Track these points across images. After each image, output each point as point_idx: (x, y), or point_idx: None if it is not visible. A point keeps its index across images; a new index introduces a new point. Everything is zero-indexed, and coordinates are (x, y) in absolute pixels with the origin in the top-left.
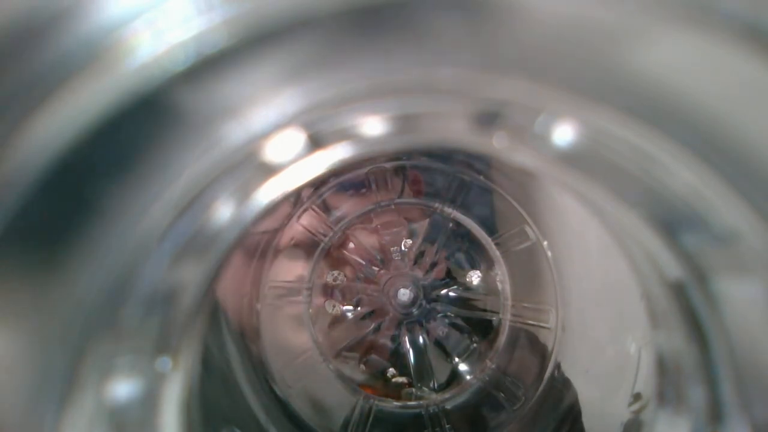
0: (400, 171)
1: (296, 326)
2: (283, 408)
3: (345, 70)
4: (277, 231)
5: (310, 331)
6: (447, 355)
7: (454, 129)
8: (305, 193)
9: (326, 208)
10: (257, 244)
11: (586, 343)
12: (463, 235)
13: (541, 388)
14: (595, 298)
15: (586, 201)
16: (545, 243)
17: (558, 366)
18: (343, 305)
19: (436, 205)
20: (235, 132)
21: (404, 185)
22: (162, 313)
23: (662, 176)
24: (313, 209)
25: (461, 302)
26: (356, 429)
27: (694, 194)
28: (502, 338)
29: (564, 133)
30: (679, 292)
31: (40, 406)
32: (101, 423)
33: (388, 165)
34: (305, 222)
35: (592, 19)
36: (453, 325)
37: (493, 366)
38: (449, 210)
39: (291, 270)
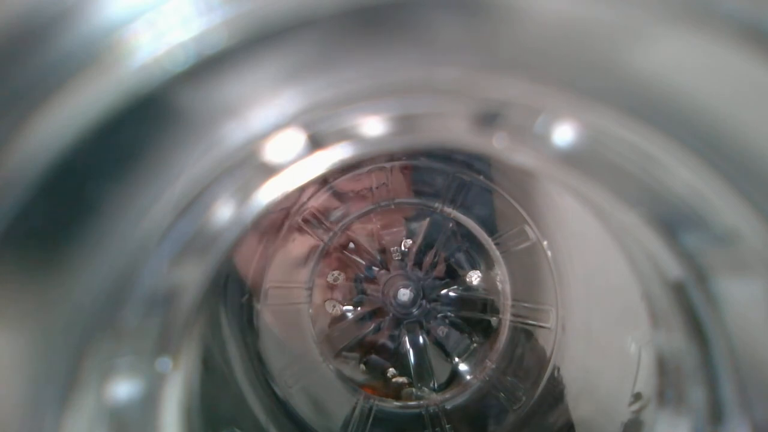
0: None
1: (296, 326)
2: (283, 408)
3: (345, 70)
4: (277, 231)
5: (310, 331)
6: (447, 355)
7: (454, 129)
8: (305, 193)
9: (326, 208)
10: (257, 243)
11: (586, 343)
12: (463, 235)
13: (541, 387)
14: (595, 298)
15: (586, 201)
16: (545, 243)
17: (558, 366)
18: (343, 305)
19: (436, 205)
20: (235, 132)
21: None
22: (162, 314)
23: (662, 176)
24: (313, 209)
25: (461, 302)
26: (356, 429)
27: (694, 194)
28: (502, 338)
29: (564, 133)
30: (679, 292)
31: (40, 407)
32: (102, 423)
33: (388, 165)
34: (305, 222)
35: (592, 19)
36: (453, 325)
37: (493, 366)
38: (449, 210)
39: (291, 270)
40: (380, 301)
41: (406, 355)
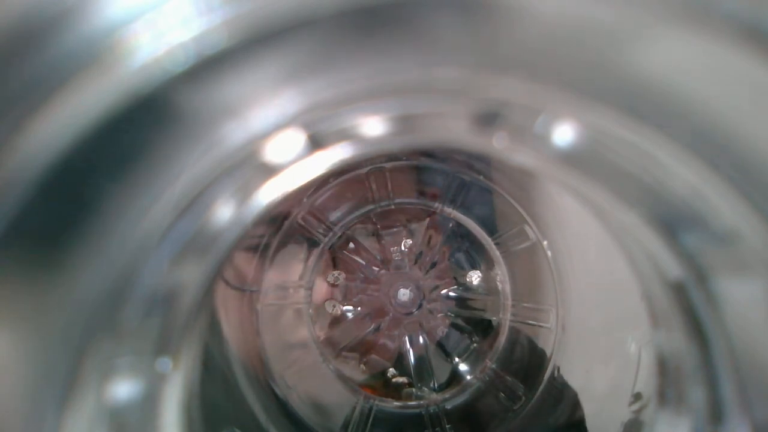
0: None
1: (296, 326)
2: (283, 408)
3: (345, 70)
4: (277, 231)
5: (310, 331)
6: (447, 355)
7: (454, 129)
8: (305, 194)
9: (326, 209)
10: (257, 244)
11: (586, 343)
12: (463, 235)
13: (541, 387)
14: (595, 298)
15: (586, 201)
16: (545, 243)
17: (558, 366)
18: (343, 305)
19: (436, 205)
20: (236, 132)
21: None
22: (162, 314)
23: (662, 176)
24: (313, 209)
25: (461, 302)
26: (356, 429)
27: (694, 194)
28: (502, 338)
29: (564, 133)
30: (679, 292)
31: (40, 407)
32: (102, 424)
33: (388, 165)
34: (305, 222)
35: (592, 19)
36: (453, 325)
37: (493, 366)
38: (449, 210)
39: (291, 270)
40: (380, 301)
41: (406, 355)
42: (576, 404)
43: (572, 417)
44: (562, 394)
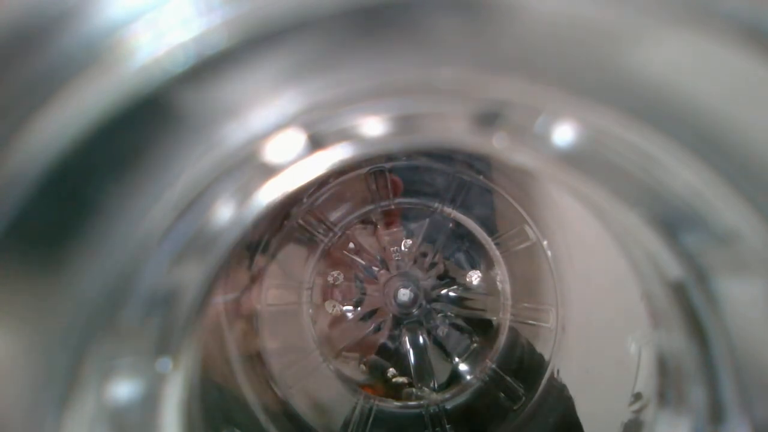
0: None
1: (296, 326)
2: (283, 408)
3: (345, 71)
4: (277, 231)
5: (310, 331)
6: (447, 355)
7: (454, 129)
8: (305, 194)
9: (326, 209)
10: (257, 244)
11: (586, 343)
12: (463, 235)
13: (541, 387)
14: (595, 298)
15: (586, 201)
16: (545, 243)
17: (558, 366)
18: (343, 305)
19: (436, 205)
20: (236, 133)
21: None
22: (162, 314)
23: (662, 176)
24: (313, 209)
25: (461, 302)
26: (356, 429)
27: (694, 194)
28: (502, 338)
29: (564, 133)
30: (679, 292)
31: (40, 408)
32: (102, 424)
33: (388, 165)
34: (305, 222)
35: (592, 19)
36: (453, 325)
37: (493, 366)
38: (449, 210)
39: (291, 270)
40: (380, 301)
41: (406, 355)
42: (576, 404)
43: (572, 417)
44: (562, 394)
